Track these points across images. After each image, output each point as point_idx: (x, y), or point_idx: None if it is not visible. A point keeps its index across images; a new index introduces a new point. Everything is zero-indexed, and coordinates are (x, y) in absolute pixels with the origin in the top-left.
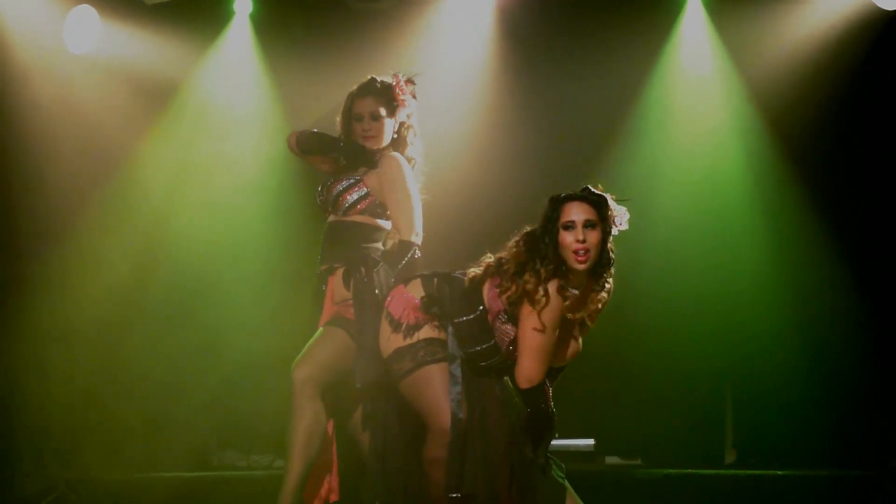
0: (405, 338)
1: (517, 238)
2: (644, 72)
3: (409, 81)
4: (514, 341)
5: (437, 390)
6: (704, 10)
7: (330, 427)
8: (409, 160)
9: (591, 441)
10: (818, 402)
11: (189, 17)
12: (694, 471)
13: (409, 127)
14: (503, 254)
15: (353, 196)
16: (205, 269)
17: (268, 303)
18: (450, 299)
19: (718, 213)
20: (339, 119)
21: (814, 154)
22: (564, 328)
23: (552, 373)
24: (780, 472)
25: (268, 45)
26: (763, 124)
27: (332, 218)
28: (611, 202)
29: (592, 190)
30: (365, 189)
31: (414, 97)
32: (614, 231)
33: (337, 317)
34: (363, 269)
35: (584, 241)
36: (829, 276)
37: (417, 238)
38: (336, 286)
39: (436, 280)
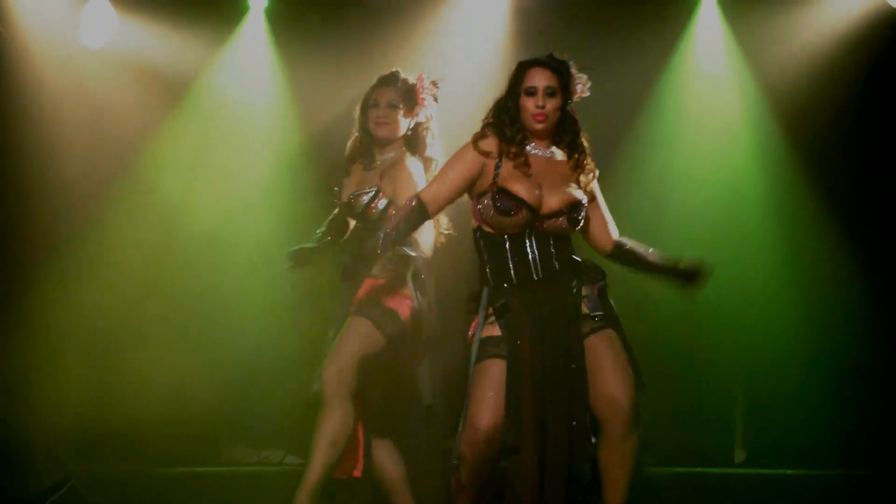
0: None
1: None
2: (657, 71)
3: (433, 84)
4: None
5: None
6: (718, 8)
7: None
8: (428, 161)
9: None
10: (829, 401)
11: (204, 12)
12: (703, 469)
13: (427, 128)
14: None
15: (378, 206)
16: (218, 266)
17: (280, 299)
18: None
19: (732, 212)
20: (357, 110)
21: (829, 154)
22: (544, 178)
23: (540, 218)
24: (790, 472)
25: (282, 39)
26: (778, 124)
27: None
28: (573, 70)
29: (555, 56)
30: (385, 199)
31: (435, 100)
32: (575, 97)
33: (360, 303)
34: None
35: (543, 107)
36: (844, 276)
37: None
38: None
39: None
